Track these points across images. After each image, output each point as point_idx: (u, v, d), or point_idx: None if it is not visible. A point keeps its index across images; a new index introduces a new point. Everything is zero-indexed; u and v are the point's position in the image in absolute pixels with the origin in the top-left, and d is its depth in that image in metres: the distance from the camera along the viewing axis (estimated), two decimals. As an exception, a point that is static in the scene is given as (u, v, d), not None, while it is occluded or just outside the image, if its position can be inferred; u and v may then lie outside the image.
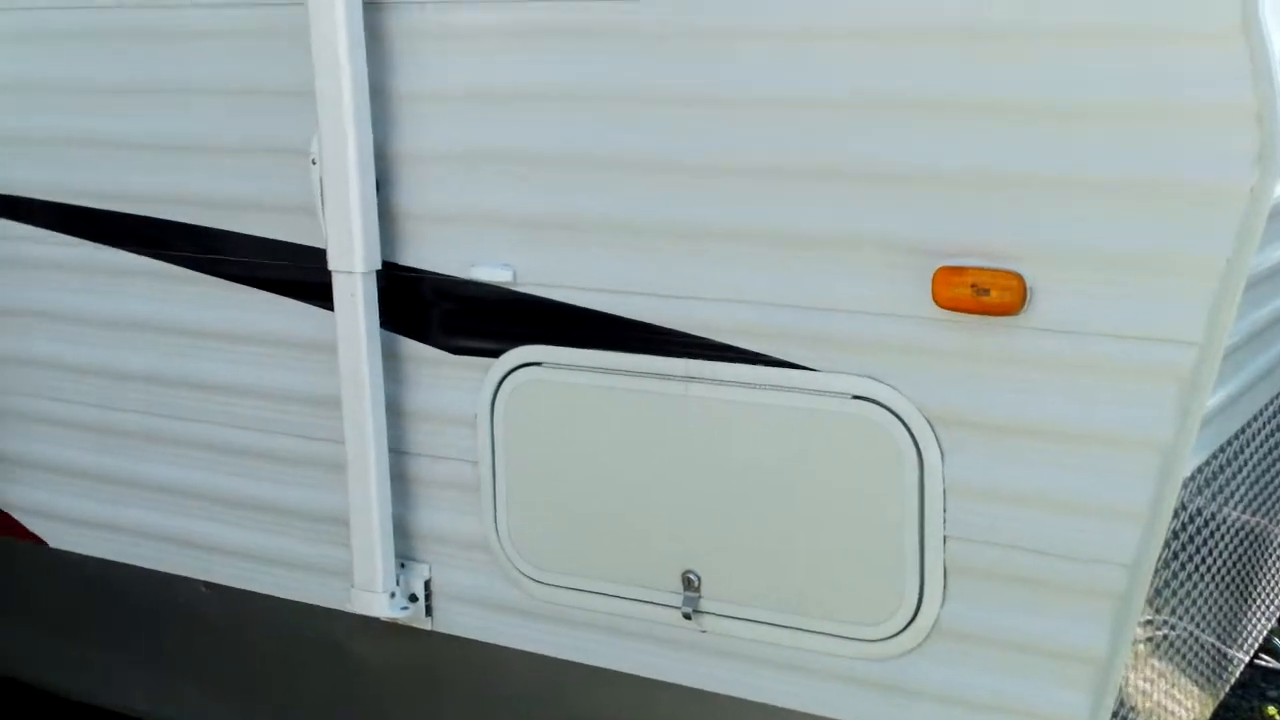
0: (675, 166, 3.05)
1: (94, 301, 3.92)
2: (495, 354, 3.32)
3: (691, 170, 3.04)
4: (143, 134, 3.73)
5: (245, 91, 3.56)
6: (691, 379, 3.11)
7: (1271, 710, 4.86)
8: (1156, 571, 2.82)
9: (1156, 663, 3.12)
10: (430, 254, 3.37)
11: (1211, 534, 3.24)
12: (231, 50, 3.55)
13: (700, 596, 3.19)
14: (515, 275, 3.27)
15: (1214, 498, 3.18)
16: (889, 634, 3.03)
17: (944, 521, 2.93)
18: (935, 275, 2.82)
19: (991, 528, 2.89)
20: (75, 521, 4.10)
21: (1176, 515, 2.83)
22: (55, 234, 3.93)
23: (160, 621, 4.10)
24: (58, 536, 4.16)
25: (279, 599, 3.80)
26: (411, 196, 3.37)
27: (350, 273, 3.37)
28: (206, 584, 3.93)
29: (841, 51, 2.85)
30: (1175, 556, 3.01)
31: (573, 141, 3.15)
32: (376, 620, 3.58)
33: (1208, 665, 3.52)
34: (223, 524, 3.84)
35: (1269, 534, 3.72)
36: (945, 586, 2.96)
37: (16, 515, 4.20)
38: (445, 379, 3.41)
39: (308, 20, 3.30)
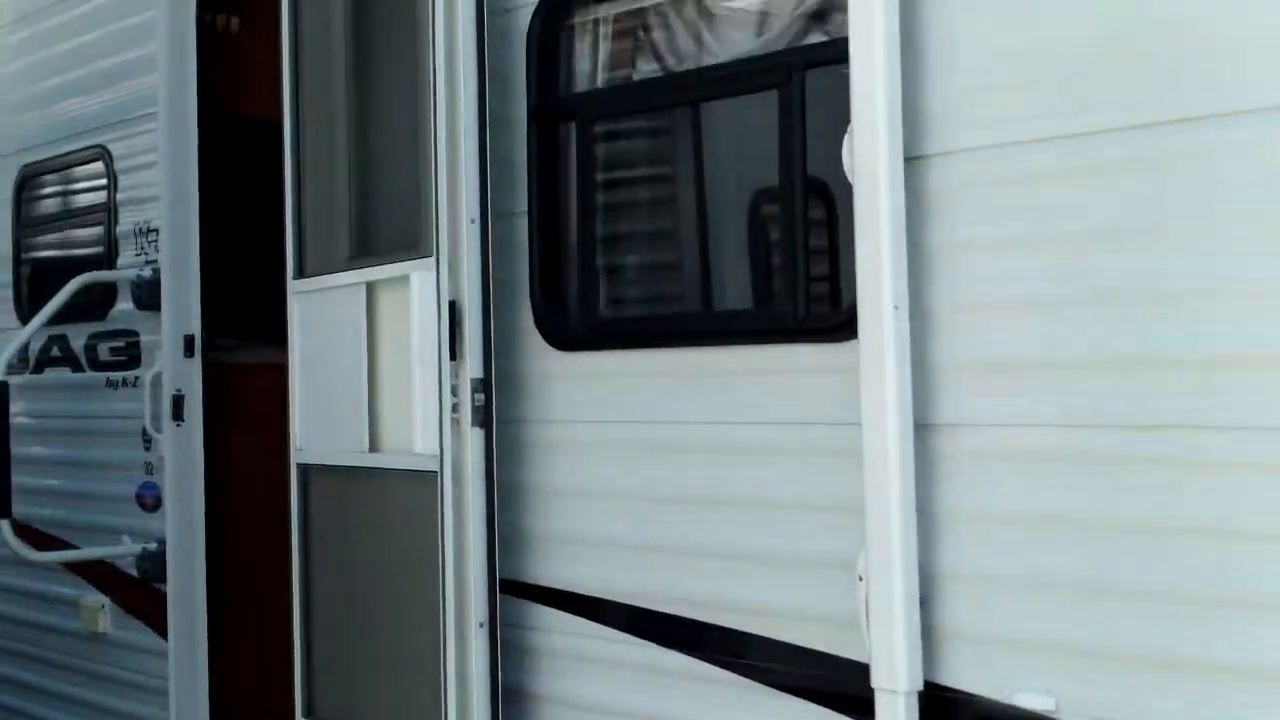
0: (1229, 601, 2.97)
1: (645, 701, 4.07)
2: (1035, 780, 3.26)
3: (1251, 607, 2.95)
4: (692, 543, 3.92)
5: (794, 505, 3.70)
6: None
7: None
8: None
9: None
10: (971, 675, 3.36)
11: None
12: (782, 466, 3.73)
13: None
14: (1058, 704, 3.22)
15: None
16: None
17: None
18: None
19: None
20: None
21: None
22: (615, 631, 4.14)
23: None
24: None
25: None
26: (954, 616, 3.39)
27: (894, 691, 3.39)
28: None
29: None
30: None
31: (1116, 573, 3.13)
32: None
33: None
34: None
35: None
36: None
37: None
38: (982, 801, 3.36)
39: (861, 441, 3.42)
